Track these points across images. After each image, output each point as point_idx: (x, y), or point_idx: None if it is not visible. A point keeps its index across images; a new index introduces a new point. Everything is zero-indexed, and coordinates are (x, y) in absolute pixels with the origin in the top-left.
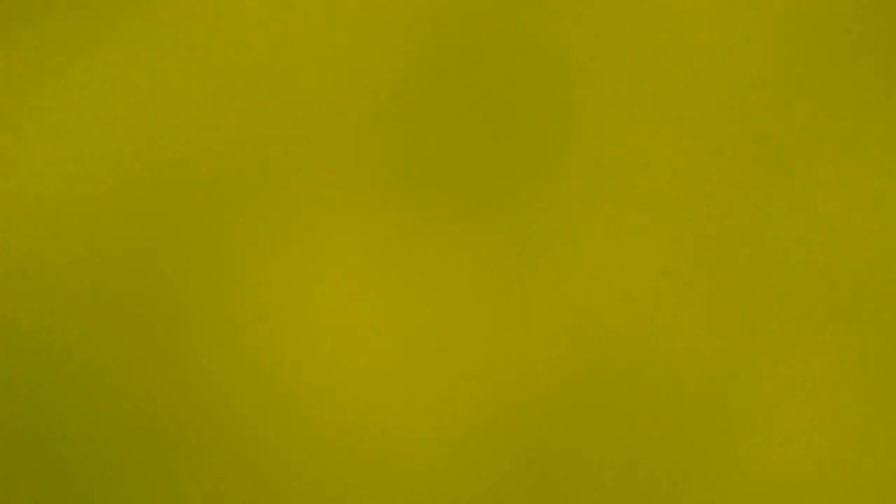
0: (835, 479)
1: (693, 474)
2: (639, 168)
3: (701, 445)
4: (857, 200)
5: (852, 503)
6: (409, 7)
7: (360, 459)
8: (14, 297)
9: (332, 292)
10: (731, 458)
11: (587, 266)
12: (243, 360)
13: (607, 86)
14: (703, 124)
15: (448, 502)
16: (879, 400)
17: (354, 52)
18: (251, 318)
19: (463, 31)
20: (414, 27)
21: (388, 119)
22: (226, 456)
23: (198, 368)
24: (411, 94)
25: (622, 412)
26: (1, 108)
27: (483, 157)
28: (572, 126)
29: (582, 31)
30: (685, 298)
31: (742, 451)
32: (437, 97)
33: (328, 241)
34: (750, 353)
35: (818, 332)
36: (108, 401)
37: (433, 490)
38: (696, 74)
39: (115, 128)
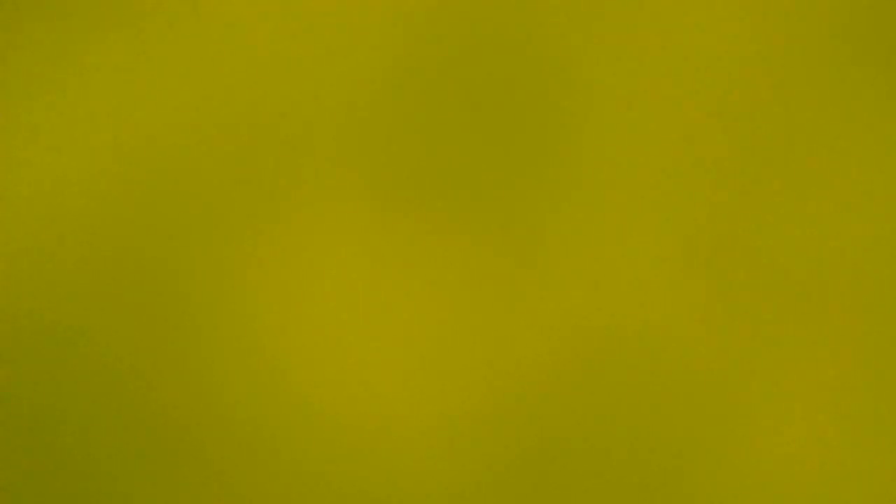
0: (835, 478)
1: (692, 474)
2: (638, 170)
3: (700, 446)
4: (858, 200)
5: (852, 503)
6: (409, 10)
7: (360, 459)
8: (15, 297)
9: (332, 294)
10: (731, 458)
11: (586, 267)
12: (243, 360)
13: (607, 88)
14: (702, 126)
15: (448, 501)
16: (879, 400)
17: (354, 53)
18: (251, 319)
19: (463, 34)
20: (414, 30)
21: (387, 121)
22: (226, 455)
23: (198, 368)
24: (411, 96)
25: (621, 413)
26: (1, 108)
27: (482, 160)
28: (571, 130)
29: (582, 34)
30: (684, 299)
31: (741, 450)
32: (437, 100)
33: (328, 243)
34: (749, 354)
35: (818, 332)
36: (109, 400)
37: (433, 489)
38: (696, 77)
39: (114, 128)
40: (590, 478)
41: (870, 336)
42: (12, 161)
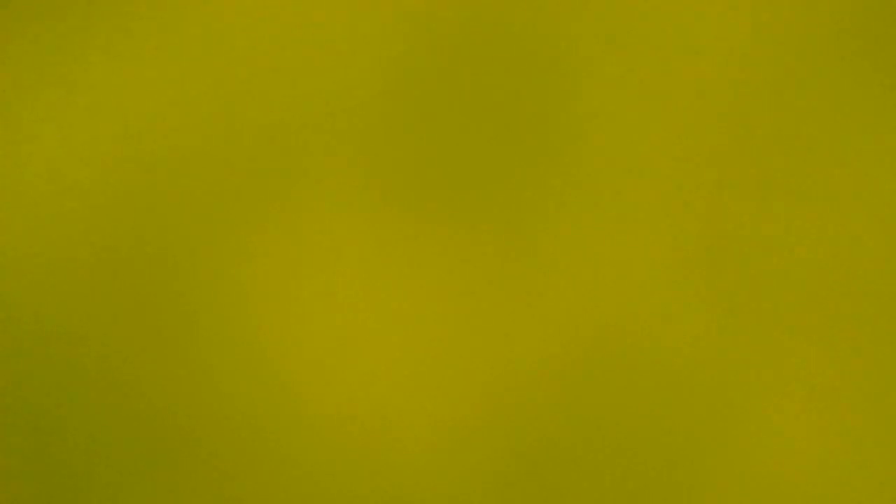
0: (835, 478)
1: (692, 473)
2: (637, 170)
3: (700, 444)
4: (858, 200)
5: (852, 503)
6: (409, 9)
7: (360, 458)
8: (15, 297)
9: (332, 292)
10: (731, 457)
11: (586, 265)
12: (243, 359)
13: (607, 86)
14: (703, 124)
15: (448, 501)
16: (879, 399)
17: (354, 52)
18: (251, 318)
19: (463, 33)
20: (413, 29)
21: (387, 120)
22: (226, 454)
23: (197, 367)
24: (411, 95)
25: (621, 411)
26: (1, 108)
27: (482, 158)
28: (571, 128)
29: (581, 32)
30: (684, 298)
31: (741, 448)
32: (437, 98)
33: (328, 241)
34: (748, 352)
35: (818, 331)
36: (110, 400)
37: (432, 489)
38: (696, 76)
39: (115, 128)
40: (589, 477)
41: (869, 336)
42: (12, 161)
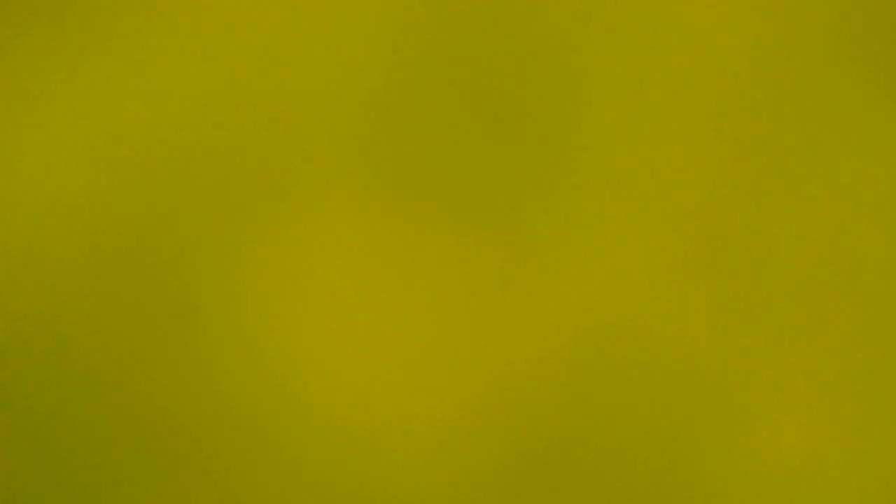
0: (835, 478)
1: (692, 472)
2: (637, 169)
3: (700, 444)
4: (858, 200)
5: (852, 502)
6: (409, 10)
7: (360, 458)
8: (15, 297)
9: (332, 293)
10: (731, 456)
11: (585, 266)
12: (244, 359)
13: (605, 86)
14: (703, 125)
15: (447, 501)
16: (880, 399)
17: (353, 53)
18: (251, 319)
19: (462, 34)
20: (412, 30)
21: (387, 121)
22: (226, 454)
23: (198, 368)
24: (410, 96)
25: (621, 411)
26: (1, 108)
27: (482, 159)
28: (570, 129)
29: (581, 33)
30: (684, 298)
31: (741, 448)
32: (436, 100)
33: (328, 242)
34: (749, 352)
35: (818, 331)
36: (110, 401)
37: (432, 489)
38: (696, 75)
39: (115, 128)
40: (589, 476)
41: (870, 336)
42: (13, 162)
